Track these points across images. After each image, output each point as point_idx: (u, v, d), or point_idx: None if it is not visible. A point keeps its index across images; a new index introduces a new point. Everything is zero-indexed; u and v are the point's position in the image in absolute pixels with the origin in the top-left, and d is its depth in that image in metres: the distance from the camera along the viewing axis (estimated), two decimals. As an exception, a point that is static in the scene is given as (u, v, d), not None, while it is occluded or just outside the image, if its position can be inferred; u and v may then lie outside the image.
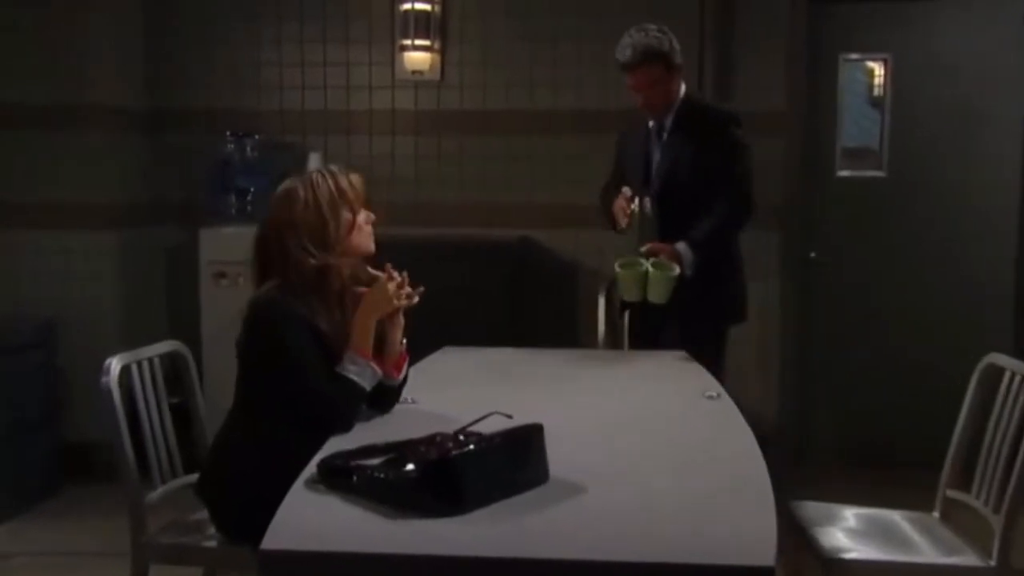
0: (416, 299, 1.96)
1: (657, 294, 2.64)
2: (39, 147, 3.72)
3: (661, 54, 2.76)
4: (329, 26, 3.96)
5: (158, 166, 4.01)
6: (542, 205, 3.99)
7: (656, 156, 2.87)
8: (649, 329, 2.90)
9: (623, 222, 2.74)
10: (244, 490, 1.88)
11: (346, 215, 1.93)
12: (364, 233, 1.97)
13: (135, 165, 3.95)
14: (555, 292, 3.97)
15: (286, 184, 1.95)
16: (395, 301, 1.92)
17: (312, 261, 1.89)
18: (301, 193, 1.91)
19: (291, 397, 1.86)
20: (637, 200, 2.72)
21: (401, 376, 2.02)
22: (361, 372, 1.90)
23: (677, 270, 2.64)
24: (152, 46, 3.98)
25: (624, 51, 2.74)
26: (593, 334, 3.82)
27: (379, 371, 1.93)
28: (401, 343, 2.01)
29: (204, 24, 3.99)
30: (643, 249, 2.71)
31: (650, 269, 2.64)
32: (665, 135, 2.86)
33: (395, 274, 1.95)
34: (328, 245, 1.91)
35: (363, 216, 1.97)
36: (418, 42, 3.87)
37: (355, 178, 1.97)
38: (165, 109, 4.00)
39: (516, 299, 3.80)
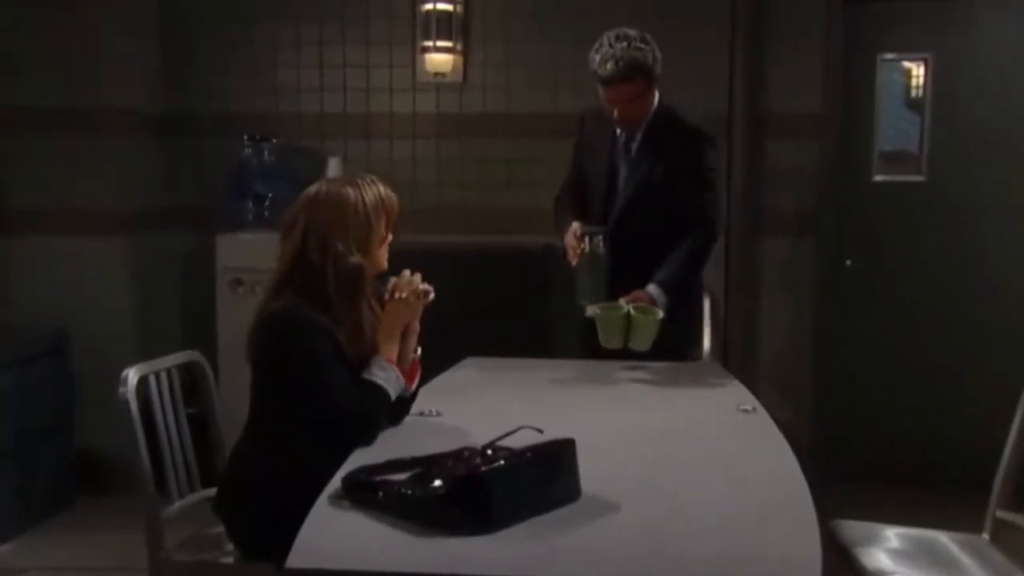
0: (432, 295, 1.99)
1: (640, 341, 2.49)
2: (52, 151, 3.76)
3: (646, 68, 2.60)
4: (349, 27, 3.98)
5: (173, 171, 4.04)
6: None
7: (623, 171, 2.73)
8: None
9: (573, 260, 2.60)
10: (262, 505, 1.88)
11: (383, 229, 1.99)
12: (385, 250, 2.03)
13: (150, 170, 3.98)
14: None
15: (328, 187, 1.97)
16: (414, 300, 1.94)
17: (353, 259, 1.92)
18: (352, 195, 1.95)
19: (316, 407, 1.86)
20: (587, 239, 2.55)
21: (414, 386, 2.03)
22: (388, 378, 1.92)
23: (661, 314, 2.50)
24: (168, 48, 4.01)
25: (605, 64, 2.56)
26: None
27: (403, 380, 1.94)
28: (415, 351, 2.02)
29: (221, 26, 4.02)
30: (628, 297, 2.57)
31: (632, 313, 2.49)
32: (634, 148, 2.72)
33: (409, 274, 1.98)
34: (367, 250, 1.96)
35: (389, 236, 2.03)
36: (440, 43, 3.88)
37: (395, 197, 2.02)
38: (181, 112, 4.03)
39: (541, 308, 3.79)
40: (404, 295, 1.96)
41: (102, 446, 3.72)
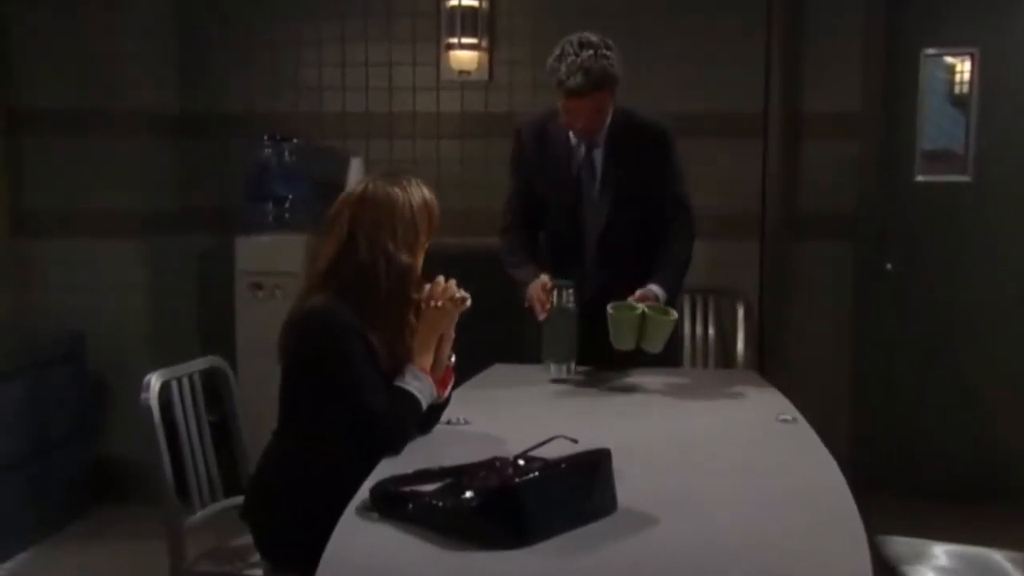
0: (468, 302, 1.99)
1: (654, 341, 2.45)
2: (68, 153, 3.80)
3: (615, 78, 2.53)
4: (371, 24, 3.99)
5: (191, 172, 4.07)
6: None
7: (593, 183, 2.65)
8: None
9: (541, 315, 2.49)
10: (292, 514, 1.88)
11: (426, 233, 2.00)
12: (422, 258, 2.02)
13: (167, 171, 4.01)
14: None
15: (376, 184, 1.97)
16: (451, 308, 1.95)
17: (404, 258, 1.93)
18: (400, 197, 1.95)
19: (346, 412, 1.86)
20: (557, 293, 2.48)
21: (447, 393, 2.03)
22: (421, 388, 1.92)
23: (675, 315, 2.49)
24: (185, 46, 4.04)
25: (574, 76, 2.46)
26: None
27: (436, 389, 1.94)
28: (449, 359, 2.02)
29: (240, 23, 4.04)
30: (635, 296, 2.52)
31: (648, 313, 2.44)
32: (599, 157, 2.65)
33: (444, 281, 1.98)
34: (413, 251, 1.96)
35: (427, 243, 2.03)
36: (465, 40, 3.88)
37: (436, 202, 2.02)
38: (199, 112, 4.06)
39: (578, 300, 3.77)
40: (440, 303, 1.96)
41: (119, 453, 3.75)
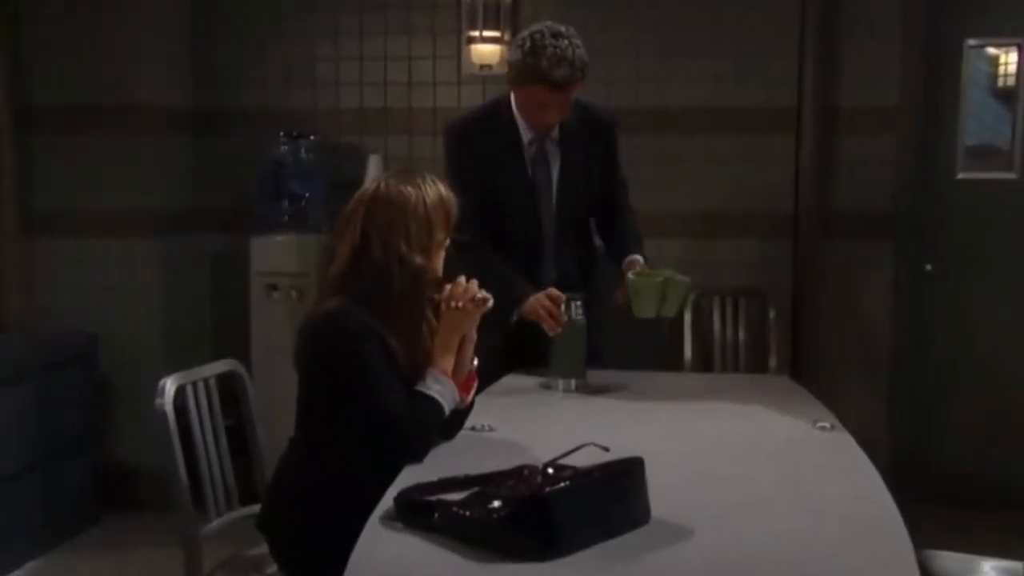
0: (491, 303, 1.99)
1: (673, 306, 2.51)
2: (78, 150, 3.82)
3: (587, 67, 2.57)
4: (390, 17, 3.99)
5: (205, 169, 4.08)
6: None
7: (550, 175, 2.67)
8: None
9: (554, 330, 2.48)
10: (310, 524, 1.88)
11: (442, 233, 2.00)
12: (441, 257, 2.02)
13: (181, 168, 4.03)
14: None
15: (389, 183, 1.97)
16: (472, 308, 1.95)
17: (418, 260, 1.93)
18: (413, 196, 1.95)
19: (364, 417, 1.86)
20: (567, 307, 2.47)
21: (470, 398, 2.02)
22: (443, 392, 1.91)
23: (689, 279, 2.53)
24: (199, 41, 4.05)
25: (558, 67, 2.48)
26: (679, 354, 3.78)
27: (459, 393, 1.94)
28: (472, 362, 2.02)
29: (254, 17, 4.05)
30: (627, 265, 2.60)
31: (670, 278, 2.49)
32: (552, 149, 2.67)
33: (465, 281, 1.98)
34: (428, 254, 1.96)
35: (447, 241, 2.03)
36: (487, 33, 3.87)
37: (454, 199, 2.02)
38: (212, 108, 4.07)
39: (595, 315, 3.76)
40: (461, 304, 1.95)
41: (131, 458, 3.78)
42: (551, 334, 2.49)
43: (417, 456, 1.84)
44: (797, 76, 3.78)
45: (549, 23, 2.57)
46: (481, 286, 2.02)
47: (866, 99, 3.75)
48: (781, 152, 3.83)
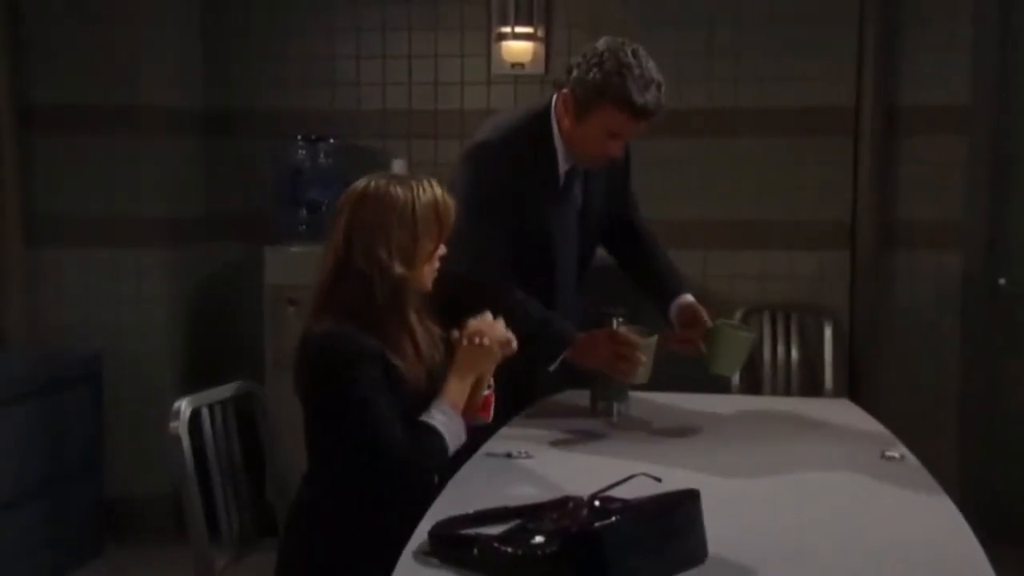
0: (515, 345, 1.98)
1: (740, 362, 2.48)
2: (84, 154, 3.85)
3: None
4: (414, 12, 4.00)
5: (218, 175, 4.11)
6: (665, 221, 3.88)
7: (573, 213, 2.48)
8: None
9: (639, 377, 2.32)
10: (330, 561, 1.88)
11: (432, 243, 1.98)
12: (432, 268, 2.01)
13: (192, 173, 4.05)
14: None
15: (378, 183, 1.96)
16: (497, 350, 1.94)
17: (398, 269, 1.92)
18: (401, 198, 1.93)
19: (361, 447, 1.87)
20: (605, 322, 2.39)
21: (490, 416, 2.04)
22: (448, 425, 1.90)
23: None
24: (211, 37, 4.08)
25: (649, 91, 2.27)
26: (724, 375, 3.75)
27: (464, 435, 1.93)
28: (488, 387, 2.04)
29: (269, 12, 4.08)
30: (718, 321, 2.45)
31: (742, 334, 2.42)
32: (577, 178, 2.47)
33: (492, 319, 1.97)
34: (410, 264, 1.94)
35: (441, 250, 2.01)
36: (519, 29, 3.87)
37: (452, 203, 1.99)
38: (225, 110, 4.10)
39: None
40: (487, 342, 1.93)
41: (137, 486, 3.79)
42: (637, 380, 2.34)
43: (411, 493, 1.86)
44: (855, 71, 3.75)
45: (623, 39, 2.33)
46: (529, 330, 2.05)
47: (933, 97, 3.72)
48: (838, 155, 3.80)
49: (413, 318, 1.98)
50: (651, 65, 2.31)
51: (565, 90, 2.35)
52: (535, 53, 3.93)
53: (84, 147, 3.85)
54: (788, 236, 3.86)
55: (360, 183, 1.98)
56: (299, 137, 3.89)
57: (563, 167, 2.43)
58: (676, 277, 2.63)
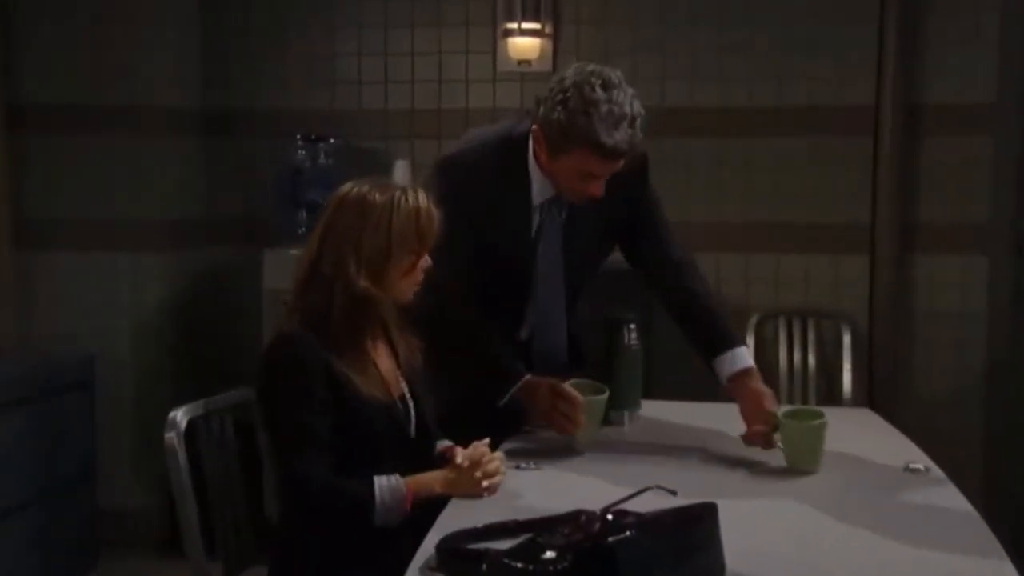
0: (500, 479, 1.91)
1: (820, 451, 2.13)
2: (77, 155, 3.85)
3: None
4: (417, 8, 4.01)
5: (215, 176, 4.11)
6: (676, 224, 3.88)
7: (556, 241, 2.33)
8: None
9: (577, 431, 2.19)
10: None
11: (409, 257, 1.94)
12: (413, 282, 1.98)
13: (189, 174, 4.05)
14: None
15: (360, 188, 1.93)
16: (482, 487, 1.90)
17: (363, 283, 1.89)
18: (378, 207, 1.90)
19: (279, 466, 1.88)
20: (615, 328, 2.38)
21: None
22: (384, 499, 1.83)
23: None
24: (209, 35, 4.08)
25: (619, 130, 2.11)
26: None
27: (398, 519, 1.86)
28: None
29: (269, 9, 4.08)
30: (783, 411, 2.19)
31: (813, 423, 2.12)
32: (562, 206, 2.31)
33: (487, 449, 1.93)
34: (378, 279, 1.91)
35: (423, 262, 1.98)
36: (526, 25, 3.87)
37: (436, 216, 1.95)
38: (224, 109, 4.10)
39: (644, 338, 3.72)
40: (478, 475, 1.88)
41: (131, 496, 3.78)
42: (577, 436, 2.20)
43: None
44: (875, 68, 3.74)
45: (593, 67, 2.15)
46: (458, 354, 2.08)
47: (957, 96, 3.71)
48: (857, 155, 3.79)
49: (378, 333, 1.97)
50: (623, 97, 2.12)
51: (535, 126, 2.22)
52: (542, 50, 3.93)
53: (79, 148, 3.85)
54: (805, 239, 3.85)
55: (345, 186, 1.96)
56: (299, 137, 3.88)
57: (538, 198, 2.30)
58: (732, 334, 2.36)
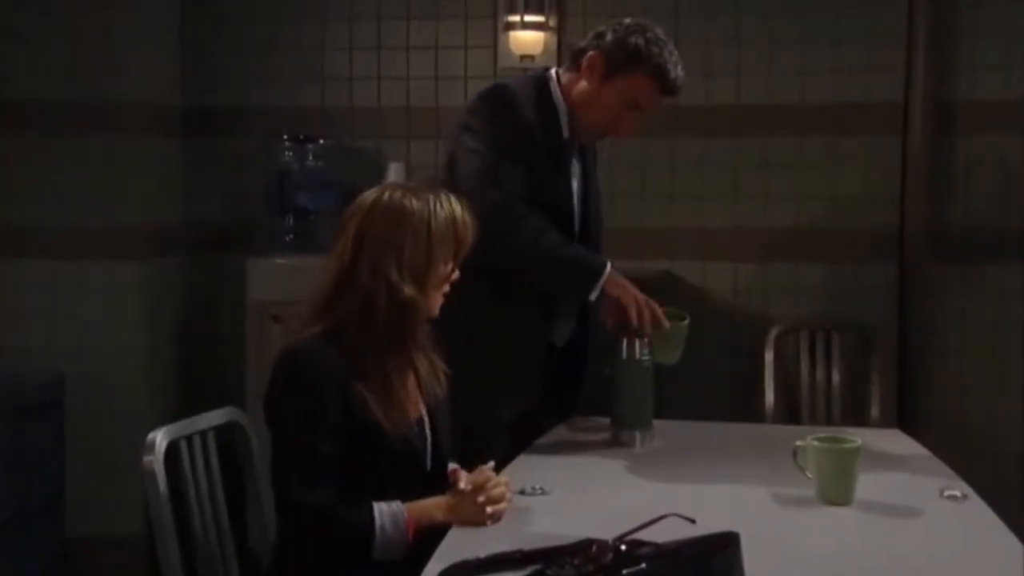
0: (504, 505, 1.92)
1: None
2: (47, 156, 3.83)
3: None
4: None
5: (197, 178, 4.10)
6: (690, 229, 3.93)
7: (583, 183, 2.70)
8: None
9: (642, 330, 2.46)
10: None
11: (447, 265, 1.99)
12: (442, 295, 2.02)
13: (168, 178, 4.04)
14: (708, 343, 3.87)
15: (393, 193, 1.97)
16: (487, 514, 1.90)
17: (408, 290, 1.92)
18: (416, 213, 1.94)
19: (274, 489, 1.89)
20: (628, 339, 2.48)
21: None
22: (386, 529, 1.85)
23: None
24: (190, 28, 4.07)
25: (679, 71, 2.54)
26: (756, 402, 3.73)
27: (403, 546, 1.87)
28: None
29: (254, 4, 4.08)
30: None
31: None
32: (576, 156, 2.68)
33: (492, 474, 1.94)
34: (422, 287, 1.96)
35: (455, 274, 2.03)
36: (528, 18, 3.88)
37: (471, 223, 2.00)
38: (206, 107, 4.09)
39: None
40: (481, 499, 1.88)
41: (104, 525, 3.76)
42: (634, 328, 2.43)
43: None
44: (904, 61, 3.75)
45: (641, 20, 2.58)
46: (526, 252, 2.30)
47: (992, 90, 3.70)
48: (884, 156, 3.80)
49: (408, 351, 1.99)
50: (671, 44, 2.54)
51: (592, 52, 2.53)
52: (546, 45, 3.94)
53: (47, 148, 3.83)
54: (828, 246, 3.86)
55: (371, 193, 1.99)
56: (286, 137, 3.89)
57: (566, 132, 2.60)
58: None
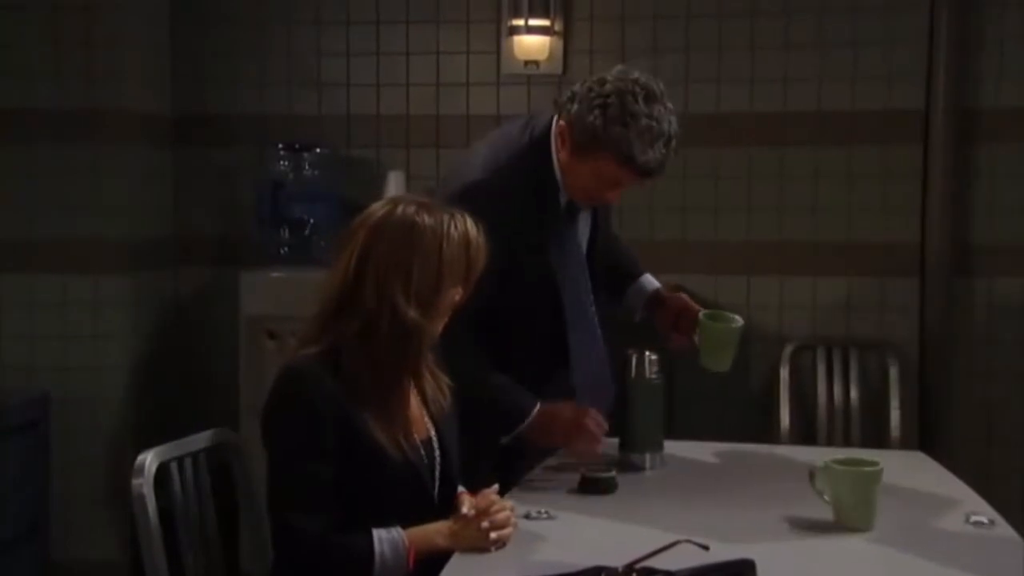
0: (509, 531, 1.92)
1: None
2: (30, 165, 3.84)
3: None
4: (413, 3, 4.03)
5: (188, 189, 4.12)
6: (702, 242, 3.93)
7: (576, 245, 2.52)
8: None
9: (592, 458, 2.37)
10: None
11: (456, 289, 1.98)
12: (443, 322, 2.01)
13: (158, 187, 4.06)
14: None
15: (406, 209, 1.95)
16: (489, 540, 1.90)
17: (413, 316, 1.91)
18: (428, 233, 1.93)
19: (270, 517, 1.89)
20: (638, 359, 2.44)
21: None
22: (386, 557, 1.85)
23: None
24: (181, 32, 4.10)
25: (655, 149, 2.27)
26: (771, 422, 3.73)
27: (402, 574, 1.87)
28: None
29: (247, 3, 4.10)
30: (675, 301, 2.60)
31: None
32: (585, 216, 2.54)
33: (496, 498, 1.95)
34: (426, 311, 1.94)
35: (460, 297, 2.02)
36: (533, 22, 3.89)
37: (485, 246, 1.98)
38: (197, 114, 4.11)
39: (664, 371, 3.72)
40: (485, 525, 1.88)
41: (88, 551, 3.76)
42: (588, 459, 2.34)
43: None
44: (926, 70, 3.76)
45: (637, 75, 2.31)
46: (466, 390, 2.10)
47: (1017, 98, 3.72)
48: (904, 166, 3.81)
49: (407, 378, 1.99)
50: (663, 113, 2.28)
51: (562, 121, 2.35)
52: (552, 50, 3.95)
53: (30, 157, 3.84)
54: (847, 260, 3.86)
55: (380, 207, 1.98)
56: (281, 146, 3.90)
57: (564, 198, 2.45)
58: (636, 262, 2.74)
